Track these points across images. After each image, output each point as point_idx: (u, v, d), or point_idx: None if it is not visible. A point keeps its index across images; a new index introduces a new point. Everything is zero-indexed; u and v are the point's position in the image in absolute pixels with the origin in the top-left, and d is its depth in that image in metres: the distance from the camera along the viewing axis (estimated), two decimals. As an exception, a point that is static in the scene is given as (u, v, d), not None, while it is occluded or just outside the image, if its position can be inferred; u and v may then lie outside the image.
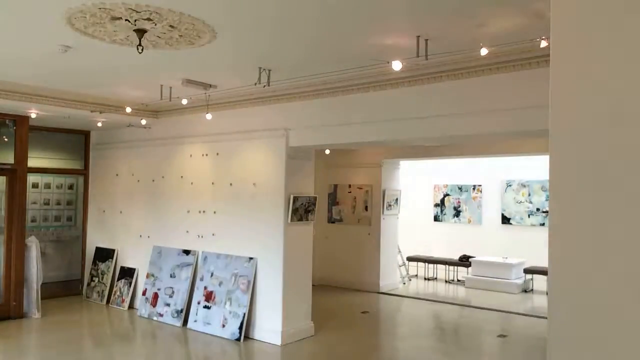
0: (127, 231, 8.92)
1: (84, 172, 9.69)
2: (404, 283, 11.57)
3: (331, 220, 11.19)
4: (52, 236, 9.49)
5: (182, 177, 8.14)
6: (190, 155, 8.04)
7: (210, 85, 6.46)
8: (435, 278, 12.04)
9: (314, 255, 7.49)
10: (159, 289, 8.04)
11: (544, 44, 4.18)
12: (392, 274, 10.97)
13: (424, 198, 13.22)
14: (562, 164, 1.71)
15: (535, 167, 11.04)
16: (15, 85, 6.73)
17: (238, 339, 6.85)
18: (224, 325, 7.05)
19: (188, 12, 3.98)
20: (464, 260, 11.60)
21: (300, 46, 4.88)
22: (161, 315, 7.85)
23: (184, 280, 7.79)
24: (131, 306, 8.55)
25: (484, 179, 12.41)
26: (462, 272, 11.74)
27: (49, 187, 9.49)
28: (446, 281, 11.85)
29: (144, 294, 8.24)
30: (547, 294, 1.82)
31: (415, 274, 12.41)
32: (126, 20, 4.09)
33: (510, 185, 12.06)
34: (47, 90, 6.99)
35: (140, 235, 8.68)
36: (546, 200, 11.12)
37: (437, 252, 12.30)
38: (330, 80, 6.08)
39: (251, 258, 7.10)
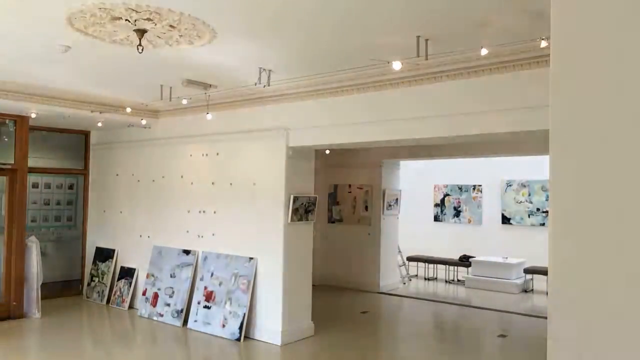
0: (127, 231, 8.92)
1: (84, 172, 9.69)
2: (404, 283, 11.57)
3: (331, 220, 11.19)
4: (52, 236, 9.49)
5: (182, 177, 8.14)
6: (190, 155, 8.04)
7: (210, 85, 6.46)
8: (435, 278, 12.04)
9: (314, 255, 7.48)
10: (159, 289, 8.04)
11: (544, 44, 4.18)
12: (392, 274, 10.97)
13: (424, 198, 13.21)
14: (562, 164, 1.71)
15: (535, 167, 11.04)
16: (15, 85, 6.73)
17: (238, 339, 6.85)
18: (224, 325, 7.05)
19: (188, 12, 3.98)
20: (464, 260, 11.60)
21: (300, 46, 4.88)
22: (161, 315, 7.85)
23: (184, 280, 7.78)
24: (131, 306, 8.55)
25: (484, 179, 12.40)
26: (462, 272, 11.73)
27: (49, 187, 9.48)
28: (446, 281, 11.85)
29: (144, 294, 8.24)
30: (547, 294, 1.82)
31: (415, 274, 12.41)
32: (126, 20, 4.09)
33: (510, 185, 12.06)
34: (47, 90, 6.98)
35: (140, 235, 8.68)
36: (546, 200, 11.12)
37: (437, 252, 12.30)
38: (330, 80, 6.08)
39: (251, 258, 7.10)
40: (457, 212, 12.87)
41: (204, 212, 7.78)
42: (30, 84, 6.69)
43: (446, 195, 13.06)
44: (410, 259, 12.08)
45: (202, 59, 5.26)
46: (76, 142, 9.67)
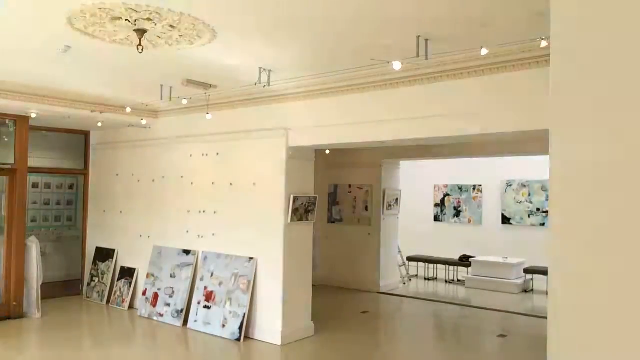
0: (127, 231, 8.91)
1: (84, 172, 9.69)
2: (404, 283, 11.57)
3: (331, 220, 11.19)
4: (52, 236, 9.49)
5: (182, 177, 8.14)
6: (190, 155, 8.04)
7: (210, 85, 6.46)
8: (435, 278, 12.04)
9: (314, 255, 7.48)
10: (159, 289, 8.04)
11: (544, 44, 4.18)
12: (392, 274, 10.97)
13: (424, 198, 13.21)
14: (562, 164, 1.71)
15: (535, 167, 11.03)
16: (15, 85, 6.73)
17: (238, 339, 6.85)
18: (224, 325, 7.05)
19: (188, 12, 3.98)
20: (464, 260, 11.60)
21: (300, 46, 4.88)
22: (161, 315, 7.85)
23: (184, 280, 7.78)
24: (131, 306, 8.55)
25: (484, 179, 12.40)
26: (462, 272, 11.74)
27: (49, 187, 9.48)
28: (446, 281, 11.84)
29: (144, 294, 8.24)
30: (547, 294, 1.82)
31: (415, 274, 12.41)
32: (126, 20, 4.09)
33: (510, 185, 12.06)
34: (47, 90, 6.98)
35: (140, 235, 8.67)
36: (546, 200, 11.12)
37: (437, 252, 12.30)
38: (330, 80, 6.07)
39: (251, 258, 7.09)
40: (457, 212, 12.87)
41: (204, 212, 7.78)
42: (30, 84, 6.69)
43: (446, 195, 13.06)
44: (410, 259, 12.07)
45: (202, 59, 5.25)
46: (76, 142, 9.67)
